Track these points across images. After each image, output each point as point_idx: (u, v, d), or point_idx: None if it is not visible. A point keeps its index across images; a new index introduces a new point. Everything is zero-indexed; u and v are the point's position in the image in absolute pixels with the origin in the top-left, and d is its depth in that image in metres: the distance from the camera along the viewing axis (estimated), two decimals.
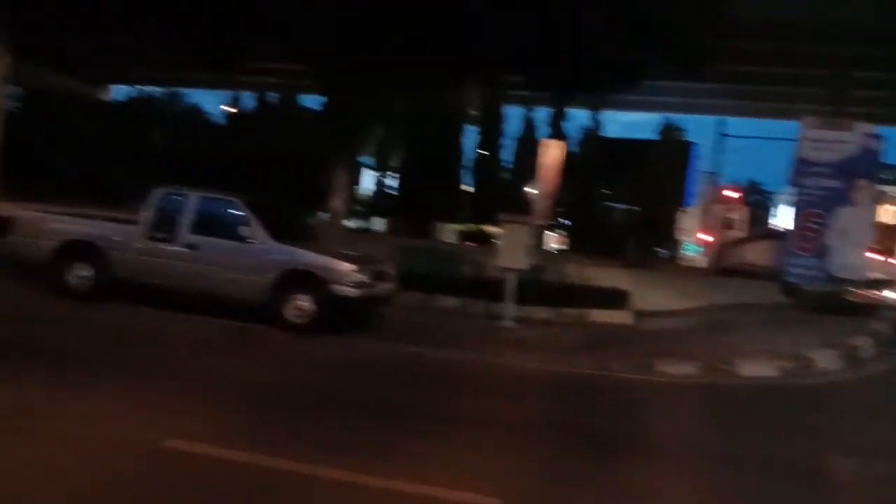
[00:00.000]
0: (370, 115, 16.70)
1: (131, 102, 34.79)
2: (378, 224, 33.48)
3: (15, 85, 19.73)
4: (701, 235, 34.16)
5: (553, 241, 29.90)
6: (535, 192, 13.99)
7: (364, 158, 32.13)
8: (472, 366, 8.66)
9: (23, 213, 10.39)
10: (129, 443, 4.57)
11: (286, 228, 10.20)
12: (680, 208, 31.51)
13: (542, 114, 30.49)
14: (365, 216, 33.91)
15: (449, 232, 29.83)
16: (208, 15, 11.48)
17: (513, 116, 31.34)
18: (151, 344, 7.97)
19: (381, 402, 6.45)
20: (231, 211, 9.70)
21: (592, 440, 5.88)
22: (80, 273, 9.58)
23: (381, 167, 34.34)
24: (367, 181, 36.42)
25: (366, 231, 29.78)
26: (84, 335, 8.08)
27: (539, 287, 12.45)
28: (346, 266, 9.25)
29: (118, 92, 38.25)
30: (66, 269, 9.58)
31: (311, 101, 28.09)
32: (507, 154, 31.40)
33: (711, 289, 15.64)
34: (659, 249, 29.37)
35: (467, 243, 25.26)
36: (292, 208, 14.71)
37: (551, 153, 13.93)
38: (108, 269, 9.57)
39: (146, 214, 9.76)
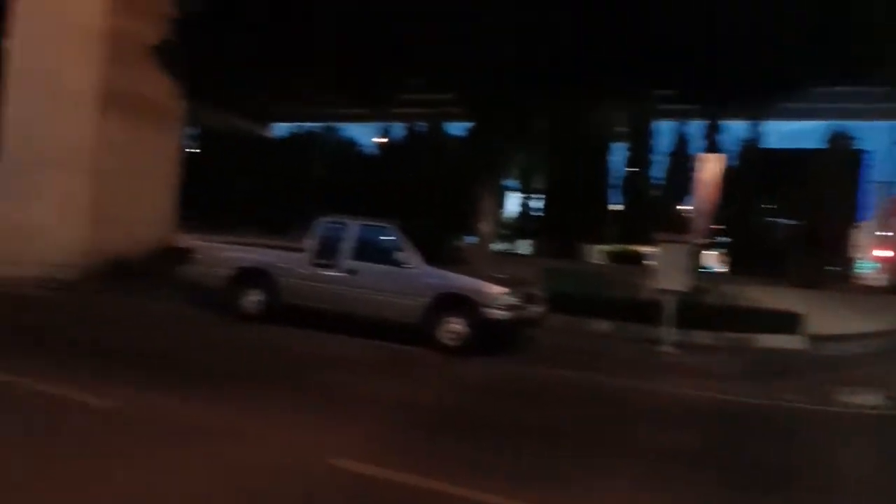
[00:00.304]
0: (516, 137, 16.76)
1: (292, 138, 37.27)
2: (523, 246, 33.44)
3: (190, 126, 21.84)
4: (877, 252, 31.15)
5: (712, 260, 28.46)
6: (691, 208, 13.39)
7: (509, 181, 32.30)
8: (629, 392, 8.34)
9: (201, 243, 11.38)
10: (299, 461, 4.77)
11: (438, 253, 10.45)
12: (852, 222, 28.95)
13: (695, 127, 29.26)
14: (510, 239, 34.00)
15: (596, 252, 29.21)
16: (362, 57, 12.11)
17: (663, 131, 30.32)
18: (314, 365, 8.38)
19: (537, 427, 6.36)
20: (387, 237, 10.06)
21: (763, 476, 5.45)
22: (253, 298, 10.33)
23: (525, 189, 34.33)
24: (512, 204, 36.57)
25: (511, 254, 29.84)
26: (256, 356, 8.67)
27: (699, 309, 11.84)
28: (498, 289, 9.29)
29: (280, 129, 41.14)
30: (241, 295, 10.38)
31: (458, 128, 28.69)
32: (658, 170, 30.36)
33: (892, 309, 14.18)
34: (829, 267, 27.08)
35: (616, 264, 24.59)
36: (442, 233, 15.03)
37: (709, 167, 13.29)
38: (277, 293, 10.25)
39: (310, 242, 10.36)
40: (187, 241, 13.34)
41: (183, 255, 11.72)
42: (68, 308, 11.21)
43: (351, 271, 9.96)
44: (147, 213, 14.75)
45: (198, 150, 29.98)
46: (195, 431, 5.20)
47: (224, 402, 6.05)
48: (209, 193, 25.37)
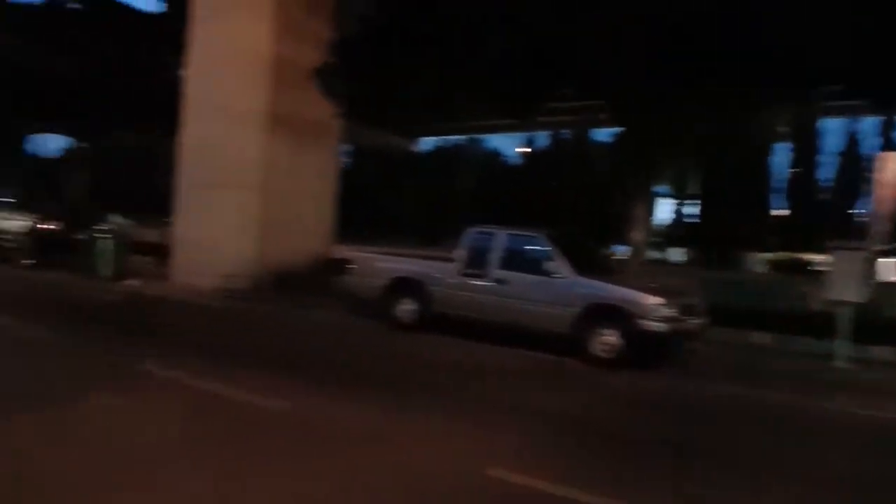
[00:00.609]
0: (668, 141, 16.15)
1: (438, 152, 38.24)
2: (676, 255, 32.10)
3: (344, 143, 22.93)
4: None
5: (892, 268, 25.83)
6: (867, 213, 12.24)
7: (660, 187, 31.20)
8: (796, 410, 7.73)
9: (358, 254, 11.91)
10: (456, 469, 4.84)
11: (588, 262, 10.26)
12: None
13: (867, 124, 26.85)
14: (662, 247, 32.78)
15: (757, 261, 27.46)
16: (513, 67, 12.22)
17: (831, 130, 28.07)
18: (466, 373, 8.47)
19: (697, 445, 6.06)
20: (535, 246, 10.03)
21: None
22: (406, 307, 10.67)
23: (678, 195, 32.99)
24: (664, 210, 35.24)
25: (664, 263, 28.72)
26: (411, 363, 8.91)
27: (877, 322, 10.79)
28: (654, 299, 8.96)
29: (426, 143, 42.35)
30: (394, 304, 10.75)
31: (604, 134, 28.12)
32: (826, 172, 28.12)
33: None
34: None
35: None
36: (593, 242, 14.76)
37: (891, 167, 12.09)
38: (429, 303, 10.52)
39: (460, 252, 10.54)
40: (344, 252, 14.01)
41: (341, 266, 12.32)
42: (239, 316, 12.12)
43: (500, 281, 10.01)
44: (308, 227, 15.66)
45: (351, 166, 31.46)
46: (358, 435, 5.43)
47: (383, 408, 6.27)
48: (363, 207, 26.51)
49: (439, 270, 10.73)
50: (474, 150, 37.90)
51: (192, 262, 14.75)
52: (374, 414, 6.04)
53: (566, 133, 31.43)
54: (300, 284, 14.15)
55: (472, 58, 12.87)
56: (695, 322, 9.57)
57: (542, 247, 9.91)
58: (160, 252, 16.17)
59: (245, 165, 14.72)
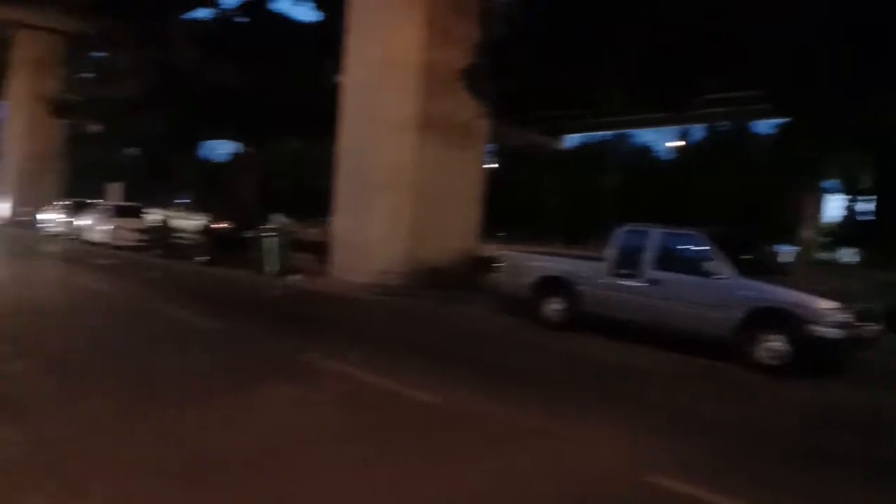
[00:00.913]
0: (839, 133, 14.87)
1: (584, 149, 37.57)
2: (848, 255, 29.47)
3: (491, 144, 23.12)
4: None
5: None
6: None
7: (829, 182, 28.79)
8: None
9: (506, 253, 11.95)
10: (613, 473, 4.72)
11: (752, 262, 9.67)
12: None
13: None
14: (832, 247, 30.22)
15: None
16: (666, 58, 11.74)
17: None
18: (619, 375, 8.27)
19: (878, 461, 5.53)
20: (693, 246, 9.58)
21: None
22: (554, 306, 10.57)
23: (850, 190, 30.28)
24: (833, 207, 32.46)
25: (835, 263, 26.48)
26: (557, 363, 8.85)
27: None
28: (827, 304, 8.27)
29: (571, 140, 41.72)
30: (543, 303, 10.68)
31: (765, 125, 26.35)
32: None
33: None
34: None
35: None
36: (757, 240, 13.86)
37: None
38: (578, 302, 10.35)
39: (610, 251, 10.28)
40: (492, 251, 14.12)
41: (488, 264, 12.43)
42: (392, 311, 12.55)
43: (653, 281, 9.65)
44: (455, 226, 15.92)
45: (496, 166, 31.67)
46: (510, 432, 5.44)
47: (535, 406, 6.24)
48: (508, 206, 26.59)
49: (589, 270, 10.53)
50: (622, 145, 36.91)
51: (348, 259, 15.47)
52: (526, 412, 6.02)
53: (723, 125, 29.73)
54: (449, 282, 14.43)
55: (622, 51, 12.53)
56: (871, 329, 8.74)
57: (701, 246, 9.44)
58: (320, 250, 17.08)
59: (397, 168, 15.22)
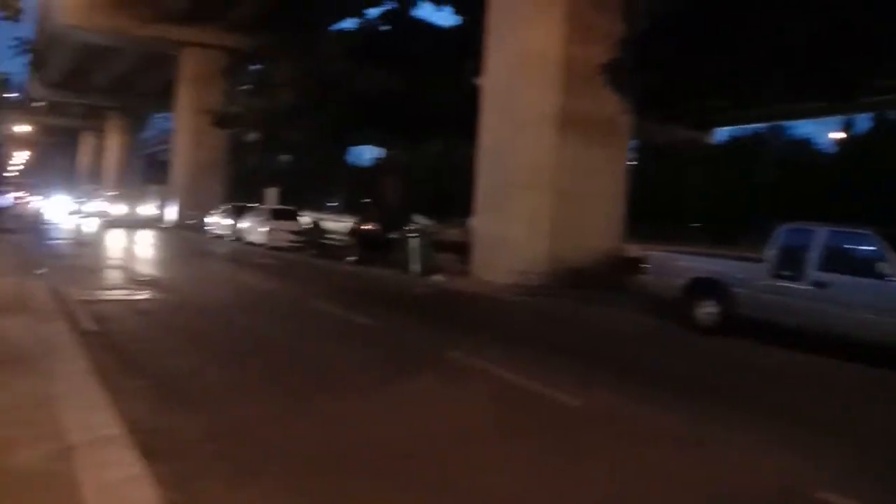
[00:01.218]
0: None
1: (734, 143, 35.56)
2: None
3: (634, 140, 22.43)
4: None
5: None
6: None
7: None
8: None
9: (654, 253, 11.56)
10: (777, 487, 4.44)
11: None
12: None
13: None
14: None
15: None
16: (830, 44, 10.87)
17: None
18: (783, 383, 7.75)
19: None
20: (864, 246, 8.80)
21: None
22: (707, 309, 10.08)
23: None
24: None
25: None
26: (710, 368, 8.45)
27: None
28: None
29: (720, 134, 39.62)
30: (694, 305, 10.22)
31: None
32: None
33: None
34: None
35: None
36: None
37: None
38: (733, 305, 9.81)
39: (770, 252, 9.67)
40: (637, 251, 13.73)
41: (632, 264, 12.08)
42: (533, 311, 12.53)
43: (819, 284, 8.96)
44: (597, 225, 15.61)
45: (639, 163, 30.71)
46: (657, 437, 5.27)
47: (684, 412, 5.98)
48: (653, 204, 25.71)
49: (745, 271, 9.97)
50: (777, 138, 34.61)
51: (489, 259, 15.61)
52: (674, 418, 5.78)
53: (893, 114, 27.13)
54: (590, 282, 14.18)
55: (778, 40, 11.74)
56: None
57: (873, 246, 8.65)
58: (461, 250, 17.36)
59: (537, 166, 15.15)
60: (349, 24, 28.01)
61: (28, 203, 62.02)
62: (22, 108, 49.74)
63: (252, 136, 32.80)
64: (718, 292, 9.96)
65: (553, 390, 6.25)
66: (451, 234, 20.12)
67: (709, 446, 5.15)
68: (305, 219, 23.14)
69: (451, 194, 27.81)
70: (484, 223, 16.17)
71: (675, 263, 10.98)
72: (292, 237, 22.81)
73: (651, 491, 4.24)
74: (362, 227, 19.68)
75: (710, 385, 7.37)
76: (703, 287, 10.16)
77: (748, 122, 35.67)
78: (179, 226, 33.94)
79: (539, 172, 15.13)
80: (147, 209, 37.70)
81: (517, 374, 6.81)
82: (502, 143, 15.75)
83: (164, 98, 42.93)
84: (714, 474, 4.58)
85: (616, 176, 16.28)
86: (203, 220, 31.29)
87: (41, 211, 53.42)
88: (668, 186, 30.82)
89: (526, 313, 12.32)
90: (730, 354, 9.12)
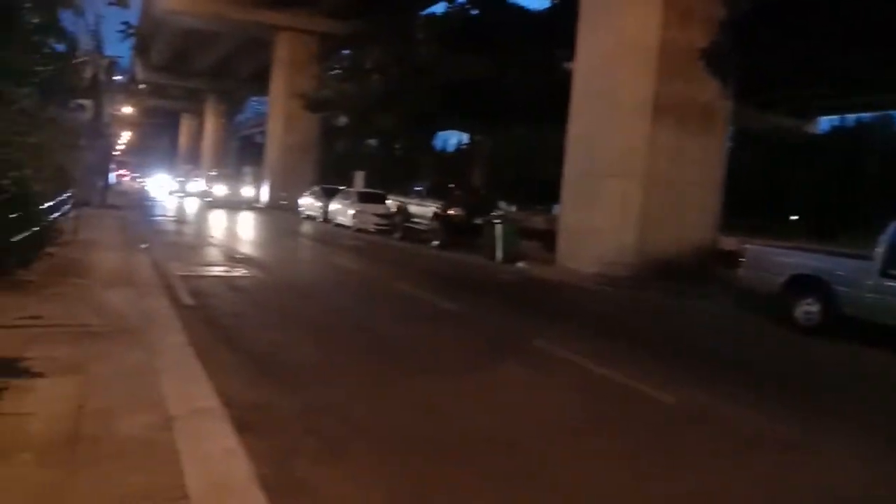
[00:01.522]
0: None
1: (838, 132, 33.59)
2: None
3: (732, 128, 21.51)
4: None
5: None
6: None
7: None
8: None
9: (752, 247, 11.05)
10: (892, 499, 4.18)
11: None
12: None
13: None
14: None
15: None
16: None
17: None
18: (886, 390, 7.30)
19: None
20: None
21: None
22: (807, 308, 9.57)
23: None
24: None
25: None
26: (810, 369, 8.05)
27: None
28: None
29: (823, 123, 37.52)
30: (793, 303, 9.73)
31: None
32: None
33: None
34: None
35: None
36: None
37: None
38: (836, 305, 9.28)
39: (879, 250, 9.07)
40: (734, 244, 13.19)
41: (728, 258, 11.61)
42: (620, 302, 12.24)
43: None
44: (691, 216, 15.06)
45: (737, 152, 29.49)
46: (753, 439, 5.06)
47: (782, 414, 5.70)
48: (750, 196, 24.60)
49: (850, 269, 9.39)
50: (884, 128, 32.43)
51: (574, 248, 15.34)
52: (771, 420, 5.52)
53: None
54: (682, 275, 13.74)
55: (888, 24, 10.97)
56: None
57: None
58: (546, 237, 17.15)
59: (628, 154, 14.73)
60: (439, 8, 28.05)
61: (131, 181, 65.61)
62: (126, 91, 52.46)
63: (342, 121, 33.42)
64: (820, 290, 9.43)
65: (646, 386, 6.08)
66: (536, 221, 19.91)
67: (804, 453, 4.89)
68: (391, 203, 23.40)
69: (537, 181, 27.50)
70: (570, 211, 15.90)
71: (774, 258, 10.46)
72: (378, 220, 23.14)
73: (751, 498, 4.06)
74: (447, 212, 19.70)
75: (809, 387, 7.00)
76: (804, 284, 9.65)
77: (853, 111, 33.61)
78: (272, 207, 35.03)
79: (631, 160, 14.71)
80: (246, 190, 39.03)
81: (607, 366, 6.66)
82: (593, 130, 15.39)
83: (259, 82, 44.33)
84: (823, 483, 4.36)
85: (713, 164, 15.64)
86: (295, 202, 32.21)
87: (144, 189, 56.40)
88: (765, 176, 29.39)
89: (613, 305, 12.06)
90: (832, 356, 8.67)
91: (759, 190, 28.46)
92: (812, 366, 8.25)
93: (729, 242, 15.21)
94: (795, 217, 28.56)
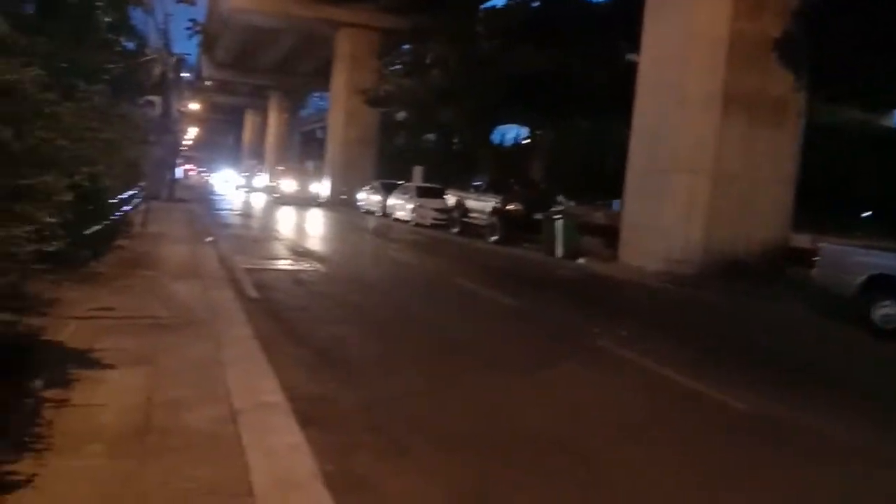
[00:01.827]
0: None
1: None
2: None
3: (806, 121, 20.63)
4: None
5: None
6: None
7: None
8: None
9: (827, 245, 10.58)
10: None
11: None
12: None
13: None
14: None
15: None
16: None
17: None
18: None
19: None
20: None
21: None
22: (886, 310, 9.09)
23: None
24: None
25: None
26: (890, 376, 7.64)
27: None
28: None
29: None
30: (872, 305, 9.25)
31: None
32: None
33: None
34: None
35: None
36: None
37: None
38: None
39: None
40: (806, 242, 12.67)
41: (801, 257, 11.14)
42: (686, 301, 11.91)
43: None
44: (762, 212, 14.52)
45: (811, 147, 28.32)
46: (830, 449, 4.82)
47: (861, 423, 5.41)
48: (825, 192, 23.58)
49: None
50: None
51: (637, 244, 15.00)
52: (849, 429, 5.23)
53: None
54: (751, 274, 13.27)
55: None
56: None
57: None
58: (607, 233, 16.83)
59: (695, 149, 14.30)
60: (500, 1, 27.79)
61: (198, 175, 67.51)
62: (193, 88, 53.93)
63: (402, 116, 33.52)
64: None
65: (716, 391, 5.85)
66: (597, 216, 19.53)
67: (886, 466, 4.62)
68: (449, 197, 23.36)
69: (599, 175, 27.02)
70: (634, 206, 15.53)
71: (850, 258, 9.96)
72: (437, 215, 23.15)
73: None
74: (506, 207, 19.54)
75: (889, 395, 6.64)
76: (883, 285, 9.15)
77: None
78: (332, 201, 35.50)
79: (698, 155, 14.27)
80: (314, 186, 39.38)
81: (672, 369, 6.45)
82: (658, 124, 15.00)
83: (320, 78, 44.87)
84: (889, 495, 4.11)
85: (785, 159, 15.05)
86: (355, 196, 32.53)
87: (210, 183, 57.96)
88: (837, 171, 28.12)
89: (678, 304, 11.74)
90: None
91: (830, 185, 27.27)
92: (891, 371, 7.84)
93: (801, 240, 14.60)
94: (868, 213, 27.26)
